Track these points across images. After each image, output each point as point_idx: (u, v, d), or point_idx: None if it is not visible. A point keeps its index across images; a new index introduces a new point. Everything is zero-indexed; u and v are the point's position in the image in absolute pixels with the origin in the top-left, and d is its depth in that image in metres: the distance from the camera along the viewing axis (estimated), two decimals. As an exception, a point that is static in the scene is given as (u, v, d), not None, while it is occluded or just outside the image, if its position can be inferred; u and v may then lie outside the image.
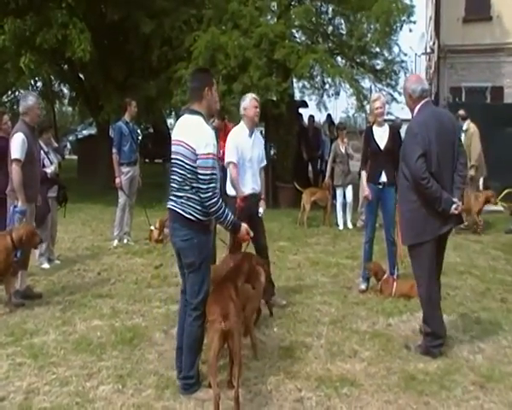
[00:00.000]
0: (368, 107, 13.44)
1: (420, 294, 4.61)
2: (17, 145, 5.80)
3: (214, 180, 3.75)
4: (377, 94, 6.66)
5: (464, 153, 4.66)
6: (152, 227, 9.17)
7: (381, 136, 6.20)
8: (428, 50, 24.19)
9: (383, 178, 6.21)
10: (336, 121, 17.81)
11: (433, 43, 22.83)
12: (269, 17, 12.64)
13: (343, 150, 10.39)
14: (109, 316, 5.48)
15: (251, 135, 5.54)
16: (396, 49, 13.25)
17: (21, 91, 16.87)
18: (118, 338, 4.88)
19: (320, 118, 20.23)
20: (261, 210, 5.54)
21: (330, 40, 13.21)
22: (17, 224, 5.75)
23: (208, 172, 3.68)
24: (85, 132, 29.61)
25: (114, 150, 8.72)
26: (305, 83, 15.73)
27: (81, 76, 16.67)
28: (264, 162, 5.79)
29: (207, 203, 3.71)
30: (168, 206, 3.93)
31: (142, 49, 13.68)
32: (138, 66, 14.56)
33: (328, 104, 15.78)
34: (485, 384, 4.01)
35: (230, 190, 5.55)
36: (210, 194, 3.70)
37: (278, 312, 5.58)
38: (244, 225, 4.02)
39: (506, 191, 10.08)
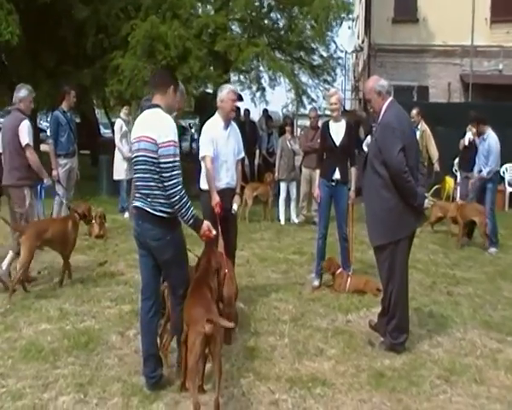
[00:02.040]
0: (308, 102, 13.67)
1: (389, 293, 4.60)
2: (28, 131, 6.11)
3: (177, 168, 3.64)
4: (334, 89, 6.71)
5: (421, 152, 4.78)
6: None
7: (338, 131, 6.21)
8: (357, 48, 24.83)
9: (337, 175, 6.24)
10: (274, 116, 17.87)
11: (362, 42, 23.48)
12: (209, 8, 12.41)
13: (289, 145, 10.41)
14: (58, 319, 5.15)
15: (226, 127, 5.34)
16: (333, 46, 13.44)
17: None
18: (71, 343, 4.58)
19: (255, 112, 20.25)
20: (235, 207, 5.39)
21: (269, 35, 13.16)
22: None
23: (170, 159, 3.60)
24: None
25: (51, 141, 8.25)
26: (241, 77, 15.74)
27: (4, 61, 15.62)
28: (242, 155, 5.62)
29: (171, 191, 3.59)
30: (135, 204, 3.77)
31: (76, 36, 12.96)
32: (71, 53, 13.81)
33: (261, 98, 15.60)
34: (450, 378, 4.12)
35: (204, 185, 5.32)
36: (173, 181, 3.59)
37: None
38: (206, 222, 3.87)
39: (435, 187, 10.50)
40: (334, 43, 13.42)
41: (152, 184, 3.66)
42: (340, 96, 6.27)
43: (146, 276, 3.92)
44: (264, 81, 14.88)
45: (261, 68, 13.99)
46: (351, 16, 12.04)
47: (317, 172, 6.47)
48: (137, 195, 3.78)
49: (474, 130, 9.50)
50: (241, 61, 11.11)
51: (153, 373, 3.82)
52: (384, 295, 4.75)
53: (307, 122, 11.46)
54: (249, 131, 15.07)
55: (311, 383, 3.94)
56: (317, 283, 6.42)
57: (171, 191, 3.60)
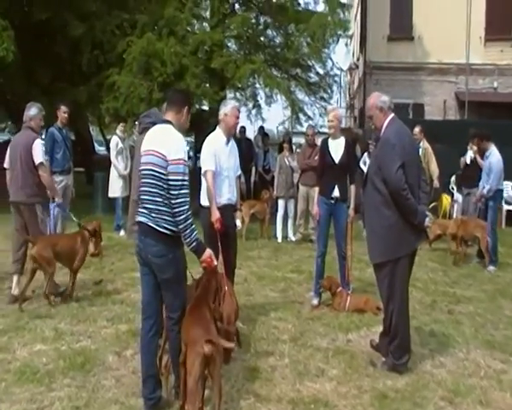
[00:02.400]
0: (304, 120, 13.67)
1: (388, 312, 4.54)
2: (40, 150, 6.31)
3: (185, 187, 3.61)
4: (332, 106, 6.69)
5: (424, 170, 4.73)
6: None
7: (337, 149, 6.18)
8: (353, 66, 25.00)
9: (336, 192, 6.19)
10: (270, 133, 17.88)
11: (357, 60, 23.64)
12: (205, 25, 12.45)
13: (287, 163, 10.39)
14: (53, 339, 5.04)
15: (228, 143, 5.32)
16: (329, 63, 13.50)
17: None
18: (67, 364, 4.48)
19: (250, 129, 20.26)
20: (238, 223, 5.34)
21: (265, 52, 13.20)
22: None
23: (179, 177, 3.57)
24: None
25: (46, 158, 8.16)
26: (237, 94, 15.77)
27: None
28: (239, 172, 5.61)
29: (177, 210, 3.55)
30: (139, 219, 3.71)
31: (71, 52, 12.98)
32: (66, 69, 13.82)
33: (258, 116, 15.62)
34: (454, 399, 4.04)
35: (204, 201, 5.27)
36: (181, 200, 3.57)
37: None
38: (209, 251, 3.81)
39: (432, 205, 10.46)
40: (331, 60, 13.49)
41: (158, 199, 3.63)
42: (339, 113, 6.24)
43: (147, 294, 3.83)
44: (260, 98, 14.95)
45: (257, 85, 14.04)
46: (347, 33, 12.06)
47: (316, 189, 6.43)
48: (141, 210, 3.73)
49: (475, 147, 9.49)
50: (237, 78, 11.12)
51: (151, 395, 3.73)
52: (385, 315, 4.68)
53: (302, 140, 11.48)
54: (245, 148, 15.03)
55: (313, 405, 3.85)
56: (316, 301, 6.34)
57: (178, 210, 3.57)
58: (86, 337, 5.12)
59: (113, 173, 10.28)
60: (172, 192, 3.57)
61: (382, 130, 4.46)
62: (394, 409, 3.83)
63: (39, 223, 6.32)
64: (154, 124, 4.04)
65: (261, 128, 16.74)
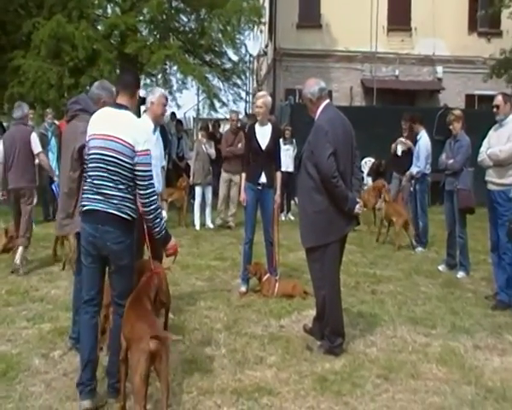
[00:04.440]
0: (219, 106, 13.59)
1: (320, 296, 4.61)
2: (37, 141, 7.28)
3: (152, 176, 3.59)
4: (261, 93, 6.62)
5: (358, 156, 4.81)
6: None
7: (264, 135, 6.16)
8: (261, 53, 25.15)
9: (263, 178, 6.19)
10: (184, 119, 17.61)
11: (266, 46, 23.81)
12: (117, 9, 11.93)
13: (204, 149, 10.27)
14: (-33, 346, 4.64)
15: (155, 131, 5.09)
16: (243, 50, 13.48)
17: None
18: (-14, 373, 4.13)
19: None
20: (164, 213, 5.15)
21: (180, 38, 12.93)
22: None
23: (148, 168, 3.55)
24: None
25: None
26: (147, 80, 15.36)
27: None
28: (164, 162, 5.43)
29: (148, 200, 3.55)
30: (92, 207, 3.53)
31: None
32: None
33: (173, 102, 15.32)
34: (389, 376, 4.19)
35: None
36: (150, 190, 3.56)
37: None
38: (174, 240, 3.88)
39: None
40: (245, 46, 13.48)
41: (121, 186, 3.51)
42: (268, 99, 6.20)
43: (91, 284, 3.69)
44: (174, 85, 14.66)
45: (168, 71, 13.76)
46: (262, 20, 12.09)
47: (242, 176, 6.40)
48: (94, 196, 3.53)
49: (404, 139, 9.65)
50: (152, 63, 10.81)
51: (90, 381, 3.58)
52: (316, 299, 4.74)
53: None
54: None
55: (257, 394, 3.83)
56: (244, 288, 6.33)
57: (149, 200, 3.55)
58: (5, 341, 4.75)
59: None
60: (141, 183, 3.53)
61: (316, 117, 4.51)
62: (335, 391, 3.91)
63: (34, 203, 7.29)
64: (83, 111, 3.81)
65: (173, 114, 16.43)
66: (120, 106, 3.63)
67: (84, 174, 3.73)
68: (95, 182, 3.55)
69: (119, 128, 3.53)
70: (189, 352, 4.56)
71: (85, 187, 3.65)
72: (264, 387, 3.95)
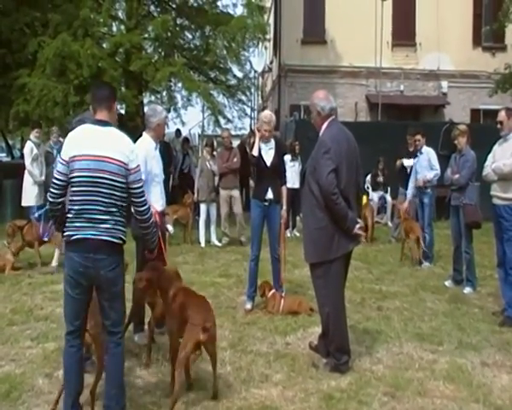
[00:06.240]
0: (224, 122, 13.64)
1: (324, 313, 4.57)
2: None
3: (144, 191, 3.61)
4: (269, 113, 6.60)
5: (362, 174, 4.80)
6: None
7: (268, 152, 6.18)
8: (266, 69, 25.31)
9: (269, 194, 6.20)
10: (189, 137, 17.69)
11: (271, 62, 23.96)
12: (122, 27, 12.07)
13: (209, 166, 10.28)
14: (-32, 368, 4.59)
15: (156, 148, 5.21)
16: (248, 66, 13.57)
17: None
18: (-11, 394, 4.09)
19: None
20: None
21: (184, 55, 13.03)
22: None
23: (141, 184, 3.55)
24: None
25: None
26: (152, 97, 15.48)
27: None
28: (163, 177, 5.47)
29: (145, 216, 3.60)
30: (82, 236, 3.36)
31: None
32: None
33: (178, 119, 15.42)
34: (396, 393, 4.14)
35: None
36: (146, 207, 3.61)
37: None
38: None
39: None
40: (250, 63, 13.57)
41: (113, 209, 3.41)
42: (273, 119, 6.20)
43: (77, 315, 3.52)
44: (178, 102, 14.75)
45: (173, 88, 13.84)
46: (267, 37, 12.18)
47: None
48: (83, 224, 3.35)
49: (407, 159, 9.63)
50: (157, 80, 10.88)
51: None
52: (321, 317, 4.71)
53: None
54: (164, 152, 14.75)
55: (262, 413, 3.80)
56: (249, 305, 6.30)
57: (146, 216, 3.61)
58: (9, 361, 4.71)
59: (28, 181, 9.69)
60: (137, 200, 3.55)
61: (321, 132, 4.50)
62: (342, 409, 3.86)
63: None
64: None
65: (178, 131, 16.52)
66: (103, 122, 3.48)
67: (63, 199, 3.48)
68: (84, 207, 3.35)
69: (109, 147, 3.38)
70: (193, 370, 4.52)
71: (70, 214, 3.40)
72: (270, 405, 3.91)
